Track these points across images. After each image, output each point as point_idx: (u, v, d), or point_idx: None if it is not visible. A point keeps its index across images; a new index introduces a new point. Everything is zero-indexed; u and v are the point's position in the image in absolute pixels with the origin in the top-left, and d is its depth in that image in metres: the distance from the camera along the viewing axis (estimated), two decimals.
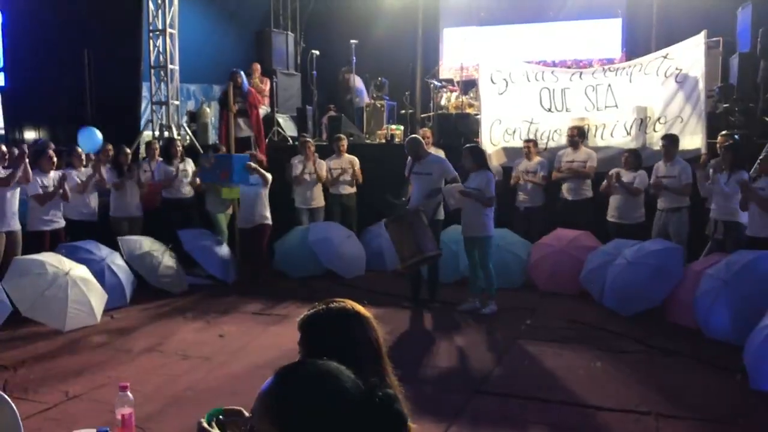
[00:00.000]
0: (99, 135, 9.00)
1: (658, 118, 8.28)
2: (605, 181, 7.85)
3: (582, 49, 11.79)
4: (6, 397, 2.55)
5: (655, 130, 8.30)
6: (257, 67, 11.01)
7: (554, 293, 7.51)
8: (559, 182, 8.32)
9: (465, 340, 6.16)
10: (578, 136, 8.25)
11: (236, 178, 7.97)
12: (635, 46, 10.88)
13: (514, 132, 8.90)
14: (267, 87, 10.95)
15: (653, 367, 5.36)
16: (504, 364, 5.47)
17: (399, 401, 1.36)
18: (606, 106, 8.56)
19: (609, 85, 8.53)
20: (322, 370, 1.36)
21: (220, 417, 2.01)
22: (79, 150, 8.05)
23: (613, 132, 8.52)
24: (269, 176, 8.06)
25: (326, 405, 1.30)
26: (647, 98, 8.34)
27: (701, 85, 7.95)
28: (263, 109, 10.39)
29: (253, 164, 7.99)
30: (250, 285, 7.98)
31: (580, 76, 8.77)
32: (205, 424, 1.97)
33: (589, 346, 5.84)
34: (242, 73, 9.56)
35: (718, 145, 7.44)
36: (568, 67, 10.44)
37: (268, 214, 8.11)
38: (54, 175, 7.44)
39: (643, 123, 8.37)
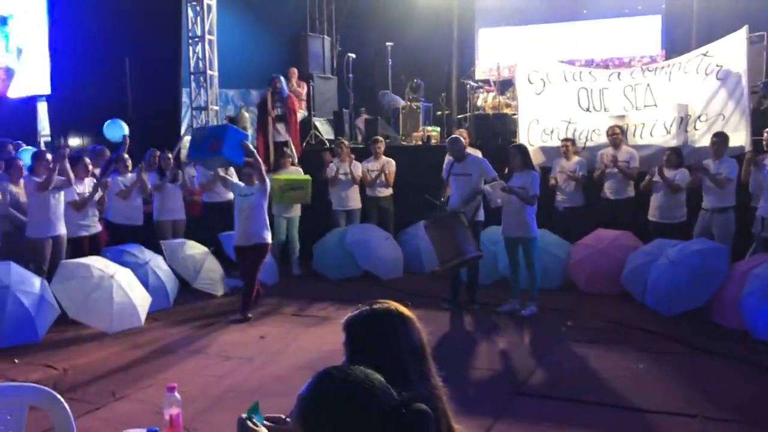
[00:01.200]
0: (124, 126, 9.09)
1: (699, 116, 8.13)
2: (647, 177, 7.75)
3: (621, 47, 11.63)
4: (59, 396, 2.63)
5: (696, 128, 8.16)
6: (294, 71, 11.11)
7: (595, 294, 7.43)
8: (600, 182, 8.22)
9: (505, 341, 6.14)
10: (620, 134, 8.15)
11: (227, 152, 6.83)
12: (675, 43, 10.70)
13: (551, 132, 8.82)
14: (304, 91, 11.05)
15: (698, 368, 5.26)
16: (545, 366, 5.43)
17: (429, 416, 1.37)
18: (645, 106, 8.43)
19: (648, 85, 8.40)
20: (356, 378, 1.38)
21: (255, 417, 2.04)
22: (125, 156, 8.22)
23: (653, 131, 8.39)
24: (268, 182, 7.16)
25: (354, 415, 1.33)
26: (687, 96, 8.19)
27: (744, 81, 7.78)
28: (301, 113, 10.48)
29: (250, 146, 7.13)
30: (240, 312, 6.95)
31: (619, 77, 8.67)
32: (247, 420, 2.01)
33: (631, 347, 5.76)
34: (282, 78, 9.66)
35: (764, 142, 7.29)
36: (607, 66, 10.32)
37: (266, 233, 7.00)
38: (89, 181, 7.61)
39: (683, 121, 8.22)
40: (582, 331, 6.28)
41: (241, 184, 7.12)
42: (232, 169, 7.90)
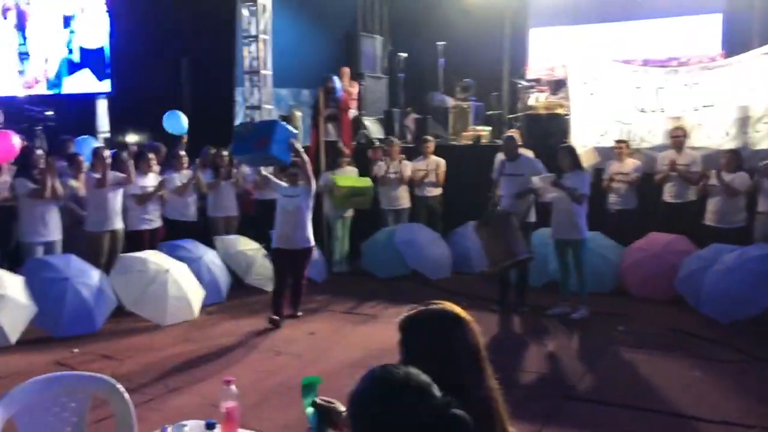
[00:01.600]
0: (184, 119, 9.14)
1: (760, 118, 7.90)
2: (703, 180, 7.55)
3: (678, 47, 11.33)
4: (120, 387, 2.72)
5: (756, 131, 7.93)
6: (346, 71, 11.17)
7: (647, 298, 7.28)
8: (661, 184, 8.03)
9: (555, 344, 6.07)
10: (683, 137, 7.94)
11: (275, 150, 6.36)
12: (736, 43, 10.35)
13: (605, 133, 8.68)
14: (355, 90, 11.11)
15: (757, 378, 5.12)
16: (595, 371, 5.36)
17: (465, 424, 1.39)
18: (703, 106, 8.23)
19: (706, 84, 8.20)
20: (394, 378, 1.43)
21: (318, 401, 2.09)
22: (181, 153, 8.40)
23: (711, 133, 8.18)
24: (314, 184, 6.80)
25: (387, 415, 1.38)
26: (748, 97, 7.97)
27: None
28: (351, 112, 10.55)
29: (298, 145, 6.65)
30: (292, 308, 6.96)
31: (676, 75, 8.48)
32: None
33: (685, 353, 5.64)
34: (335, 77, 9.74)
35: None
36: (663, 66, 10.09)
37: (311, 234, 6.76)
38: (153, 176, 7.81)
39: (743, 123, 8.00)
40: (633, 336, 6.18)
41: (284, 183, 6.86)
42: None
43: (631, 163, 8.16)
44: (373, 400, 1.40)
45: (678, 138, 7.94)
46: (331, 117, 9.67)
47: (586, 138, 8.77)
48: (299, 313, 6.96)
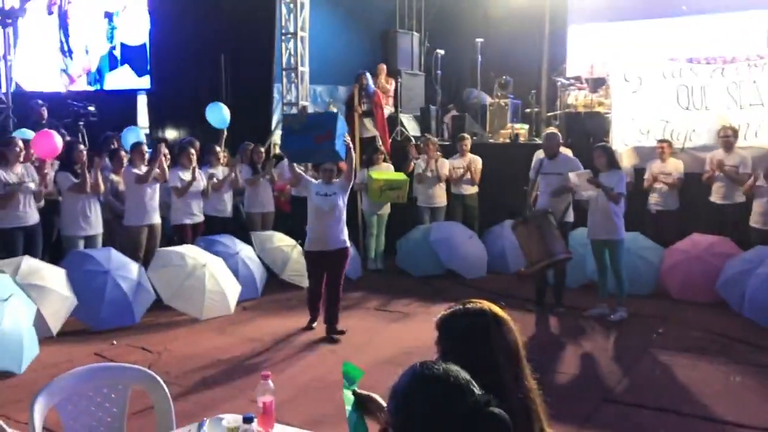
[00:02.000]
0: (226, 112, 9.03)
1: None
2: (749, 181, 7.36)
3: (724, 45, 11.05)
4: (160, 379, 2.75)
5: None
6: (383, 67, 11.19)
7: (688, 301, 7.14)
8: (708, 184, 7.84)
9: (592, 346, 5.99)
10: (733, 137, 7.73)
11: (339, 145, 5.92)
12: None
13: (647, 132, 8.52)
14: (392, 87, 11.11)
15: None
16: (633, 373, 5.26)
17: (502, 421, 1.38)
18: (750, 104, 8.03)
19: (754, 82, 8.01)
20: (432, 375, 1.43)
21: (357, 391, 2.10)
22: (218, 149, 8.48)
23: (758, 132, 7.97)
24: (352, 179, 6.39)
25: (425, 411, 1.39)
26: None
27: None
28: (387, 109, 10.55)
29: (349, 140, 6.16)
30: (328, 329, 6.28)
31: (722, 73, 8.29)
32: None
33: (727, 358, 5.51)
34: (368, 74, 9.76)
35: None
36: (709, 64, 9.86)
37: (346, 235, 6.33)
38: (194, 170, 7.89)
39: None
40: (674, 339, 6.06)
41: (315, 181, 6.45)
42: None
43: (673, 164, 8.01)
44: (413, 396, 1.41)
45: (727, 138, 7.73)
46: (366, 113, 9.70)
47: (627, 137, 8.63)
48: (341, 329, 6.24)
